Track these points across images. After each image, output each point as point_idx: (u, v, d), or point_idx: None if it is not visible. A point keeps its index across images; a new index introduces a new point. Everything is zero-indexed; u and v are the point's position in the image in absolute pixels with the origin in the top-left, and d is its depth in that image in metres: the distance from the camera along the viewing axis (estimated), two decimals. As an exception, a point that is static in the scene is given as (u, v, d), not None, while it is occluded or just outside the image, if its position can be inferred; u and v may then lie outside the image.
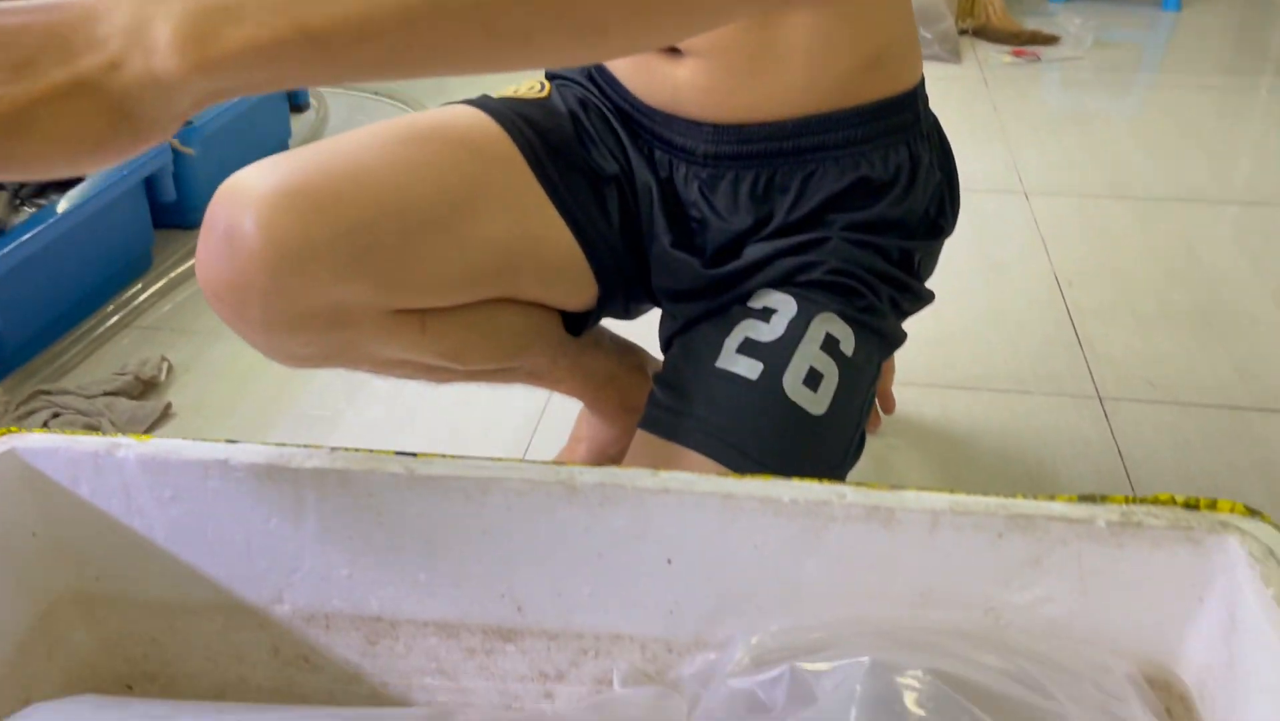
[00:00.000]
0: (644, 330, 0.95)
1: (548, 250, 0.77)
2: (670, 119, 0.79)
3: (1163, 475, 1.09)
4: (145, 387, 1.18)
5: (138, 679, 0.68)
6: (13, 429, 0.63)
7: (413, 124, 0.72)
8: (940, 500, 0.57)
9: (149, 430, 1.11)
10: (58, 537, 0.64)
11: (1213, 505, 0.57)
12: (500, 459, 0.61)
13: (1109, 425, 1.16)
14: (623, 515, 0.60)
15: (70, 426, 1.07)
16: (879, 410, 1.13)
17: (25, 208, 1.24)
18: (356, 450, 0.62)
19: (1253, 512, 0.57)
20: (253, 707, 0.56)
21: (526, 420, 1.18)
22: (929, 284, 0.87)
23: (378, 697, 0.67)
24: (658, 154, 0.81)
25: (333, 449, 0.62)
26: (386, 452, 0.61)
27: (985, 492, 0.58)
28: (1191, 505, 0.57)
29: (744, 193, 0.80)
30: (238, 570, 0.64)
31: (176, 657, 0.68)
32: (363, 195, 0.65)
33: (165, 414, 1.17)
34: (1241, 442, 1.16)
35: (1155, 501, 0.57)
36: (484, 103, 0.79)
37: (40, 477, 0.62)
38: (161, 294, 1.41)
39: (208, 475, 0.61)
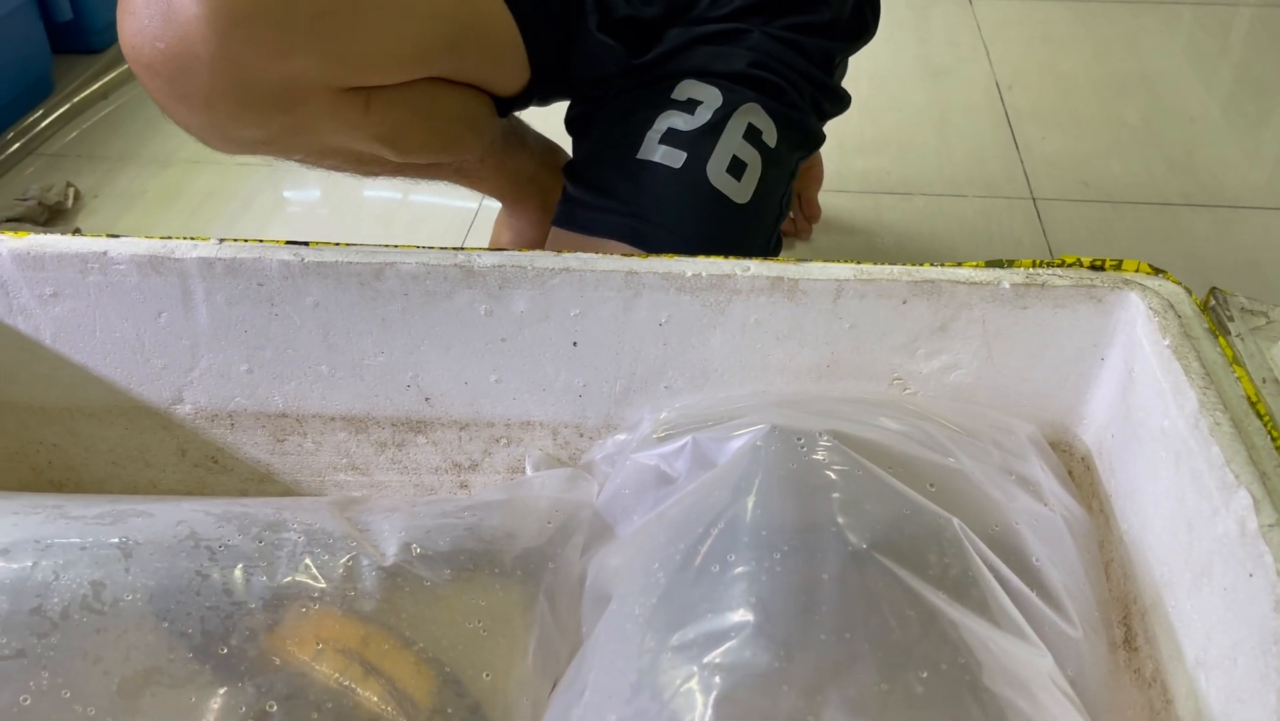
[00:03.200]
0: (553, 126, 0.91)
1: (490, 27, 0.73)
2: None
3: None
4: (51, 214, 1.13)
5: (44, 486, 0.67)
6: (-123, 229, 0.60)
7: None
8: (844, 270, 0.56)
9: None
10: (-61, 342, 0.61)
11: (1118, 265, 0.56)
12: (395, 245, 0.59)
13: (1041, 225, 1.15)
14: (524, 298, 0.58)
15: (-28, 253, 1.03)
16: (806, 217, 1.11)
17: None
18: (245, 240, 0.59)
19: (1157, 271, 0.56)
20: (147, 498, 0.55)
21: (455, 230, 1.15)
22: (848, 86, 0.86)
23: (291, 495, 0.66)
24: None
25: (220, 239, 0.59)
26: (276, 241, 0.59)
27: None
28: (1098, 265, 0.56)
29: None
30: (133, 370, 0.62)
31: (81, 464, 0.66)
32: None
33: (78, 243, 1.14)
34: (1170, 236, 1.16)
35: (1061, 264, 0.57)
36: None
37: (-90, 278, 0.59)
38: (65, 119, 1.34)
39: (88, 268, 0.58)
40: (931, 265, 0.56)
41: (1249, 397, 0.48)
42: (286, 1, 0.58)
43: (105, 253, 0.58)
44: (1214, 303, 0.56)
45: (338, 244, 0.59)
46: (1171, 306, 0.53)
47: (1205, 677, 0.44)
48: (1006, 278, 0.55)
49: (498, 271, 0.58)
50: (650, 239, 0.72)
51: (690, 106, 0.76)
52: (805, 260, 0.57)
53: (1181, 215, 1.20)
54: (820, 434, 0.51)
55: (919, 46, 1.57)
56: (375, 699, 0.46)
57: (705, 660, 0.40)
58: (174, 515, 0.51)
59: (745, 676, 0.39)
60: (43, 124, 1.32)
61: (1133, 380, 0.53)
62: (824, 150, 1.15)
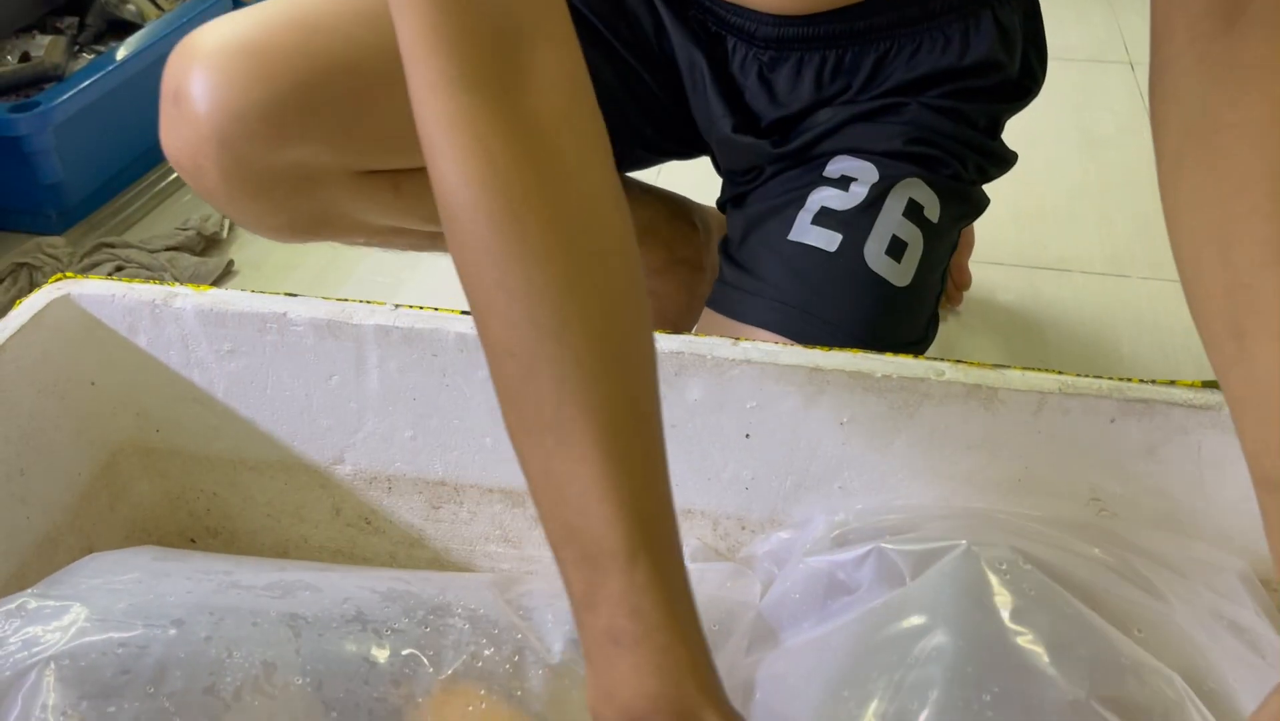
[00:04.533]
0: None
1: None
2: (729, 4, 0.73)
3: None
4: (208, 244, 1.16)
5: (200, 533, 0.67)
6: (69, 274, 0.61)
7: None
8: (1048, 380, 0.52)
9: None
10: (117, 388, 0.62)
11: None
12: (572, 321, 0.57)
13: None
14: (700, 385, 0.56)
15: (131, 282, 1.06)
16: (956, 285, 1.07)
17: (84, 54, 1.21)
18: (421, 308, 0.58)
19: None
20: (313, 565, 0.54)
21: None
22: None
23: (440, 563, 0.65)
24: (711, 28, 0.74)
25: (396, 305, 0.59)
26: (452, 310, 0.58)
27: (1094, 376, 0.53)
28: None
29: (808, 77, 0.74)
30: (299, 428, 0.62)
31: (238, 514, 0.66)
32: (311, 49, 0.60)
33: (227, 271, 1.15)
34: None
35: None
36: None
37: (97, 325, 0.60)
38: None
39: (266, 329, 0.58)
40: (1142, 382, 0.52)
41: None
42: (281, 95, 0.59)
43: (285, 314, 0.58)
44: None
45: (512, 317, 0.58)
46: None
47: None
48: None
49: (675, 359, 0.56)
50: (804, 331, 0.69)
51: (844, 183, 0.72)
52: (1003, 366, 0.53)
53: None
54: (1021, 559, 0.47)
55: (1075, 114, 1.51)
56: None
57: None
58: (340, 591, 0.50)
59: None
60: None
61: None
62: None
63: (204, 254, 1.16)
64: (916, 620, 0.45)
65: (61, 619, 0.45)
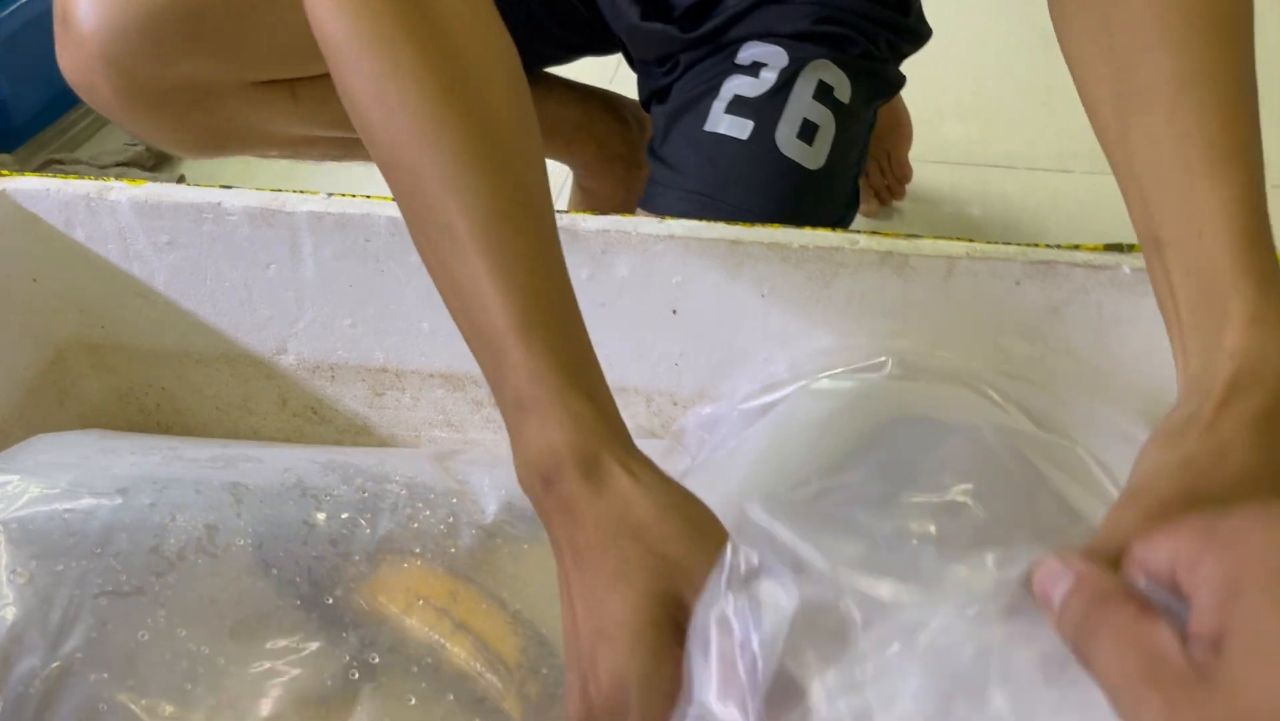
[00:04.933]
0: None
1: None
2: None
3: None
4: (158, 160, 1.16)
5: (150, 428, 0.69)
6: (3, 171, 0.62)
7: None
8: (956, 247, 0.54)
9: (163, 202, 1.09)
10: (59, 284, 0.63)
11: (1247, 255, 0.54)
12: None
13: None
14: (626, 263, 0.58)
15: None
16: (897, 178, 1.08)
17: (22, -31, 1.19)
18: (354, 195, 0.60)
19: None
20: (255, 443, 0.56)
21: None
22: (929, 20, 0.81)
23: (386, 448, 0.67)
24: None
25: (329, 194, 0.60)
26: (384, 198, 0.59)
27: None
28: (1224, 254, 0.54)
29: None
30: (241, 319, 0.63)
31: (188, 408, 0.68)
32: None
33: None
34: None
35: (1186, 251, 0.54)
36: None
37: (34, 220, 0.61)
38: None
39: (202, 218, 0.59)
40: (1047, 246, 0.55)
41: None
42: (158, 12, 0.59)
43: (219, 204, 0.59)
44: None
45: (443, 202, 0.59)
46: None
47: None
48: (1127, 262, 0.53)
49: (601, 237, 0.57)
50: (722, 220, 0.71)
51: (755, 70, 0.73)
52: (914, 235, 0.55)
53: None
54: (946, 383, 0.50)
55: (1027, 8, 1.52)
56: (465, 655, 0.47)
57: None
58: (281, 462, 0.52)
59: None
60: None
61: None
62: (920, 116, 1.12)
63: (155, 169, 1.16)
64: (835, 405, 0.48)
65: (7, 490, 0.47)
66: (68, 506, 0.46)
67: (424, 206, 0.41)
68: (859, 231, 0.56)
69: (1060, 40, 0.44)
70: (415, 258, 0.59)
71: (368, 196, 0.59)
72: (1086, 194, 1.14)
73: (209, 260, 0.61)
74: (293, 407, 0.67)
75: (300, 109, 0.67)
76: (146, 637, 0.42)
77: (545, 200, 0.43)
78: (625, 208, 0.93)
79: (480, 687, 0.47)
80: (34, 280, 0.63)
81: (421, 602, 0.47)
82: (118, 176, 1.11)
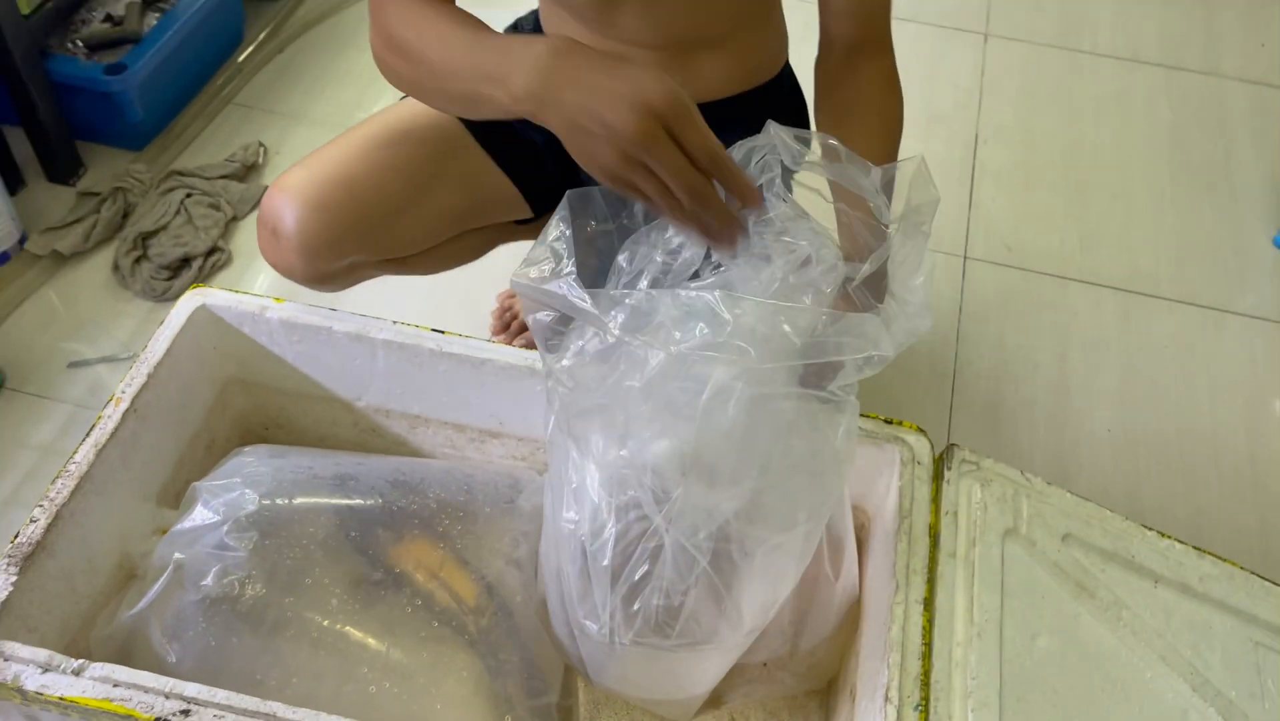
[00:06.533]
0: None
1: (491, 196, 1.09)
2: None
3: (986, 331, 1.45)
4: (247, 172, 1.55)
5: (272, 428, 1.14)
6: (199, 285, 1.05)
7: (388, 128, 1.01)
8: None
9: (253, 208, 1.49)
10: (228, 353, 1.07)
11: (901, 422, 0.99)
12: (495, 341, 1.03)
13: (962, 283, 1.49)
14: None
15: (199, 205, 1.47)
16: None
17: (151, 13, 1.54)
18: (409, 325, 1.03)
19: (919, 430, 0.99)
20: (356, 457, 1.02)
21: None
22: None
23: (419, 457, 1.13)
24: None
25: (395, 322, 1.03)
26: (425, 328, 1.03)
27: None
28: (887, 421, 0.99)
29: None
30: (334, 381, 1.08)
31: (293, 421, 1.13)
32: (359, 197, 0.97)
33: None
34: (1054, 310, 1.49)
35: (871, 416, 0.99)
36: None
37: (219, 321, 1.04)
38: (251, 71, 1.71)
39: (319, 334, 1.03)
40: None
41: (931, 525, 0.92)
42: (344, 230, 0.96)
43: (330, 327, 1.02)
44: (946, 454, 0.99)
45: (461, 335, 1.03)
46: (915, 458, 0.96)
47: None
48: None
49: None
50: None
51: None
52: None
53: (1072, 291, 1.53)
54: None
55: (925, 87, 1.77)
56: (443, 597, 0.94)
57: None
58: (381, 471, 0.98)
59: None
60: (240, 74, 1.71)
61: (888, 490, 0.97)
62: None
63: (244, 180, 1.56)
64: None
65: (234, 495, 0.92)
66: (268, 503, 0.92)
67: (432, 59, 0.80)
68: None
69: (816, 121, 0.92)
70: (441, 367, 1.03)
71: (416, 327, 1.03)
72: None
73: (320, 351, 1.05)
74: (361, 428, 1.12)
75: (405, 269, 1.09)
76: (309, 581, 0.89)
77: (480, 22, 0.81)
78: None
79: (449, 613, 0.94)
80: (214, 349, 1.07)
81: (416, 563, 0.93)
82: (223, 189, 1.51)
